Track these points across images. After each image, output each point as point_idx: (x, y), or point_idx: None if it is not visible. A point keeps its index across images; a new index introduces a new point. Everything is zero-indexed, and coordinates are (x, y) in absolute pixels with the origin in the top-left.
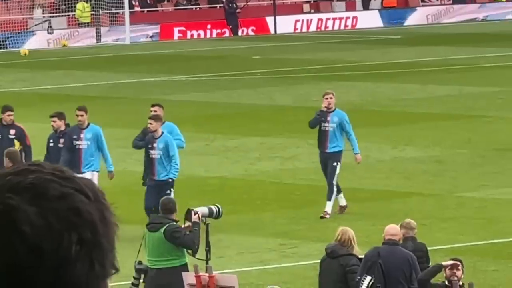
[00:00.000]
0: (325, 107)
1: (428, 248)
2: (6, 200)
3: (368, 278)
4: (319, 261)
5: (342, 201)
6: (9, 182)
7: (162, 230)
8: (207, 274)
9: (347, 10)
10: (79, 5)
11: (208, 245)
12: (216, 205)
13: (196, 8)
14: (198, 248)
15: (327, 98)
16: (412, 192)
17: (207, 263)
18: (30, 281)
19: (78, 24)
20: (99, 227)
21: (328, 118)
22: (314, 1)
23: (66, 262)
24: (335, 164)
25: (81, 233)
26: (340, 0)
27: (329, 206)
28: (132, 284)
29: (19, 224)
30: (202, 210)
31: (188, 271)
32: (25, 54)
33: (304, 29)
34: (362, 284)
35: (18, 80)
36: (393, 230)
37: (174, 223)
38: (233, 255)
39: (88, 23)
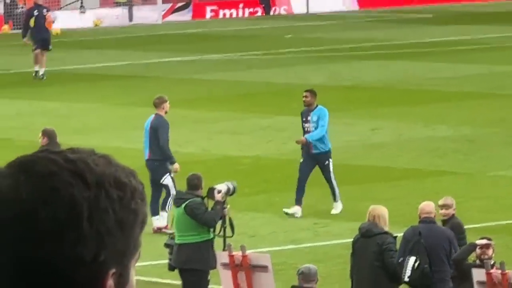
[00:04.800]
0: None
1: None
2: None
3: (413, 258)
4: (351, 240)
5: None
6: (17, 158)
7: (183, 205)
8: (240, 253)
9: None
10: None
11: (225, 221)
12: (232, 182)
13: None
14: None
15: None
16: (444, 171)
17: (225, 240)
18: (1, 254)
19: (115, 2)
20: (81, 210)
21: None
22: None
23: (34, 238)
24: None
25: (54, 212)
26: None
27: None
28: (170, 259)
29: None
30: (222, 187)
31: (212, 247)
32: (57, 33)
33: (337, 8)
34: (407, 265)
35: (50, 60)
36: (428, 207)
37: (197, 199)
38: (265, 234)
39: (121, 2)
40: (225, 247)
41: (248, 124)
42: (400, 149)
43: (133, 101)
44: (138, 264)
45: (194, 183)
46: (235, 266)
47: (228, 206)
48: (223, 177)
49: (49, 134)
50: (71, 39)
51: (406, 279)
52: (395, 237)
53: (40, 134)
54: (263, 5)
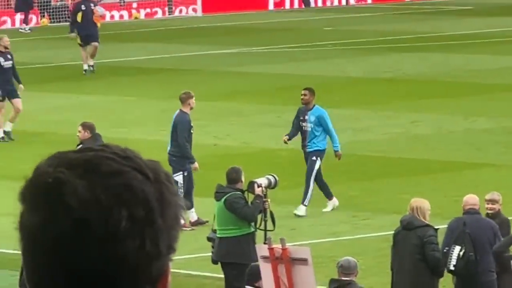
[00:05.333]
0: None
1: None
2: (57, 174)
3: (458, 247)
4: (391, 232)
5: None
6: (67, 158)
7: (223, 199)
8: (280, 246)
9: None
10: None
11: (265, 215)
12: (273, 175)
13: None
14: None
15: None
16: (484, 163)
17: (265, 233)
18: (77, 254)
19: None
20: (154, 206)
21: None
22: None
23: (114, 237)
24: None
25: (132, 210)
26: None
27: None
28: (212, 252)
29: (64, 197)
30: (263, 181)
31: (253, 240)
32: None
33: (376, 0)
34: (452, 254)
35: None
36: (473, 200)
37: (236, 192)
38: (305, 227)
39: None
40: (265, 240)
41: (288, 117)
42: (440, 141)
43: (172, 94)
44: (178, 257)
45: (232, 177)
46: (275, 259)
47: (269, 200)
48: (262, 170)
49: (90, 128)
50: (110, 32)
51: (452, 267)
52: (437, 229)
53: (79, 128)
54: None
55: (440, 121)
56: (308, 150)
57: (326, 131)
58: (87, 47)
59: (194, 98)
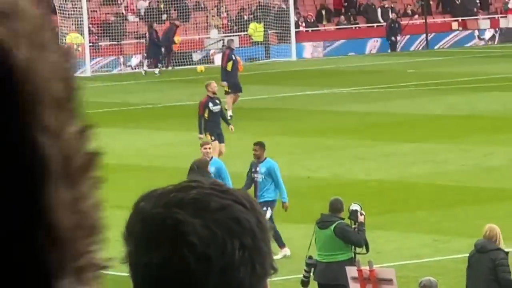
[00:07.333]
0: None
1: None
2: (174, 215)
3: None
4: (468, 255)
5: None
6: (174, 198)
7: (332, 227)
8: (368, 268)
9: (491, 27)
10: (251, 25)
11: None
12: (357, 203)
13: (355, 27)
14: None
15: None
16: None
17: (355, 256)
18: (201, 284)
19: (251, 42)
20: (257, 232)
21: None
22: (461, 20)
23: (231, 266)
24: None
25: (242, 240)
26: (485, 18)
27: None
28: (304, 276)
29: (187, 236)
30: (358, 208)
31: (354, 264)
32: (202, 71)
33: (453, 45)
34: None
35: (197, 94)
36: None
37: (343, 221)
38: (390, 250)
39: (259, 42)
40: (354, 263)
41: (375, 151)
42: (511, 171)
43: (272, 131)
44: (276, 278)
45: (337, 206)
46: (363, 280)
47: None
48: (353, 199)
49: (198, 165)
50: (214, 76)
51: None
52: (507, 252)
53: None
54: (389, 42)
55: (511, 154)
56: (259, 200)
57: (276, 183)
58: (233, 94)
59: (203, 147)
